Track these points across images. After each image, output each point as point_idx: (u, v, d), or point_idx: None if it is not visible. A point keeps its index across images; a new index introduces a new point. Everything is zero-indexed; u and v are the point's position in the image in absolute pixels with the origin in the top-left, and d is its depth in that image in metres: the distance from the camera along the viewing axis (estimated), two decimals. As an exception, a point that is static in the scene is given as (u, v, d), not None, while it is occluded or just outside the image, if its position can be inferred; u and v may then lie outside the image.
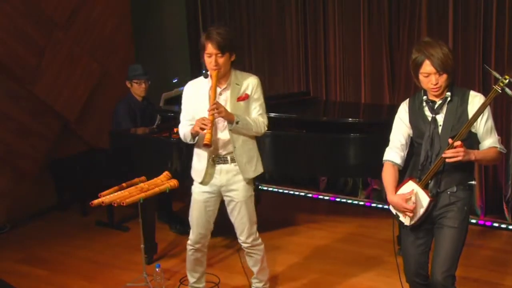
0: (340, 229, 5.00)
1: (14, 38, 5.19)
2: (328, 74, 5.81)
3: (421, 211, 2.82)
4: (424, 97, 2.85)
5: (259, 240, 3.63)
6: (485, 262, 4.25)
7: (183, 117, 3.47)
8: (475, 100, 2.77)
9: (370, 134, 4.21)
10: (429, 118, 2.82)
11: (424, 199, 2.80)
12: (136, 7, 6.40)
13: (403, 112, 2.94)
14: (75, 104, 5.76)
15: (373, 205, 5.55)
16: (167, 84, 5.56)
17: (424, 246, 2.93)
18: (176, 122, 3.71)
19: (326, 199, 5.82)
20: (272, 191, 6.12)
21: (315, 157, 4.31)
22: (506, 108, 4.85)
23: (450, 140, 2.69)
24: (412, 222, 2.86)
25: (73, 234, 5.16)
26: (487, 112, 2.76)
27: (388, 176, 2.93)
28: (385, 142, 3.02)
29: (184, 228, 4.70)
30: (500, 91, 2.64)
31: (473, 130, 2.78)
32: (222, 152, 3.40)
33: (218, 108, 3.22)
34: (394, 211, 2.94)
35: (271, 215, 5.41)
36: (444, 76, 2.73)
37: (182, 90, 3.51)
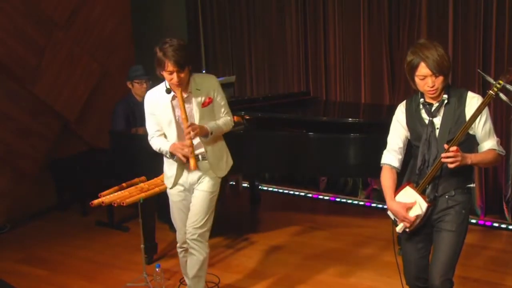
0: (340, 229, 5.00)
1: (14, 38, 5.20)
2: (328, 74, 5.81)
3: (419, 217, 2.80)
4: (421, 100, 2.80)
5: (205, 240, 3.50)
6: (485, 262, 4.24)
7: (150, 128, 3.48)
8: (473, 101, 2.72)
9: (370, 134, 4.21)
10: (426, 121, 2.78)
11: (422, 205, 2.79)
12: (136, 7, 6.41)
13: (400, 114, 2.91)
14: (75, 104, 5.76)
15: (373, 205, 5.55)
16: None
17: (424, 250, 2.92)
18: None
19: (326, 199, 5.82)
20: (272, 191, 6.13)
21: (315, 157, 4.30)
22: (506, 108, 4.84)
23: (445, 146, 2.66)
24: (411, 228, 2.85)
25: (73, 234, 5.16)
26: (485, 114, 2.72)
27: (387, 181, 2.90)
28: (385, 142, 3.01)
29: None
30: (494, 96, 2.62)
31: (471, 132, 2.74)
32: (196, 151, 3.40)
33: (193, 130, 3.25)
34: (392, 216, 2.93)
35: (271, 215, 5.41)
36: (441, 78, 2.69)
37: None
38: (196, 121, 3.34)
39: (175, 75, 3.20)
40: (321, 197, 5.86)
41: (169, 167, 3.50)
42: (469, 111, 2.71)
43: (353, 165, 4.21)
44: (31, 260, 4.67)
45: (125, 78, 5.21)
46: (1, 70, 5.17)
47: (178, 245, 3.65)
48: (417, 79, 2.74)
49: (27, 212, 5.46)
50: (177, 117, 3.36)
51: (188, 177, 3.46)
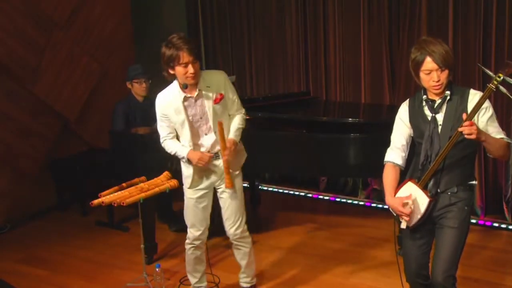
0: (340, 229, 5.00)
1: (14, 38, 5.20)
2: (328, 74, 5.81)
3: (421, 212, 2.81)
4: (424, 96, 2.83)
5: (247, 233, 3.66)
6: (485, 262, 4.24)
7: (162, 130, 3.49)
8: (475, 98, 2.73)
9: (370, 134, 4.21)
10: (429, 118, 2.81)
11: (424, 200, 2.79)
12: (136, 7, 6.40)
13: (403, 112, 2.94)
14: (75, 104, 5.76)
15: (373, 205, 5.54)
16: (167, 84, 5.53)
17: (425, 247, 2.93)
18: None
19: (326, 199, 5.81)
20: (272, 191, 6.12)
21: (315, 157, 4.30)
22: (506, 109, 4.84)
23: (464, 116, 2.63)
24: (412, 223, 2.85)
25: (73, 234, 5.16)
26: (490, 111, 2.74)
27: (388, 178, 2.93)
28: (385, 142, 3.02)
29: (184, 227, 4.69)
30: (494, 89, 2.62)
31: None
32: (213, 150, 3.46)
33: (230, 156, 3.35)
34: (394, 213, 2.94)
35: (271, 215, 5.41)
36: (446, 72, 2.72)
37: None
38: (210, 119, 3.37)
39: (190, 66, 3.19)
40: (321, 197, 5.86)
41: (186, 167, 3.52)
42: (471, 107, 2.71)
43: (353, 165, 4.21)
44: (31, 260, 4.67)
45: (125, 78, 5.21)
46: (1, 70, 5.17)
47: (188, 241, 3.64)
48: (422, 75, 2.76)
49: (27, 212, 5.46)
50: (190, 117, 3.37)
51: (207, 180, 3.51)
